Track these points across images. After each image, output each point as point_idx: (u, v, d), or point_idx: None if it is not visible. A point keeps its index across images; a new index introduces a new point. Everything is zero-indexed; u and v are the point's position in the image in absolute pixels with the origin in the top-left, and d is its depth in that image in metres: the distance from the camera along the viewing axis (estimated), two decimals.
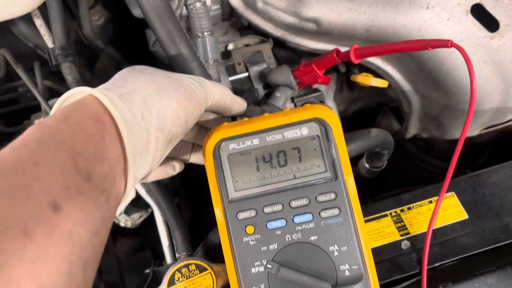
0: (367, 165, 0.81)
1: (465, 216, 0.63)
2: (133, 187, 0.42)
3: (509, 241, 0.61)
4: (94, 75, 0.89)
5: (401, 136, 0.96)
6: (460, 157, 0.97)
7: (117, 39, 0.98)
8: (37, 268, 0.28)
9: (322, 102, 0.79)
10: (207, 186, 0.52)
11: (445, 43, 0.51)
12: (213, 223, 0.59)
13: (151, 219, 0.83)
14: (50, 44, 0.68)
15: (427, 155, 0.97)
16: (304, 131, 0.50)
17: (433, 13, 0.66)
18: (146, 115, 0.42)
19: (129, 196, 0.42)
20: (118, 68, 0.92)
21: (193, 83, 0.49)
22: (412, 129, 0.91)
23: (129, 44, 1.00)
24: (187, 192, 1.08)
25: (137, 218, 0.80)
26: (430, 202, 0.64)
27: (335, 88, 0.98)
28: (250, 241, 0.49)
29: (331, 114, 0.50)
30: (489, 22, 0.66)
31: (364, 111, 1.13)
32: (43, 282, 0.28)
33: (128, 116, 0.40)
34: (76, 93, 0.41)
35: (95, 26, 0.94)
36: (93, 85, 0.89)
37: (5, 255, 0.27)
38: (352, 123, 1.10)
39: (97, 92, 0.39)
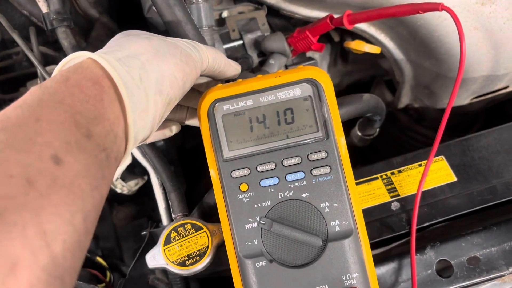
0: (359, 133, 0.83)
1: (453, 178, 0.64)
2: (133, 148, 0.43)
3: (496, 202, 0.62)
4: (89, 44, 0.89)
5: (393, 106, 0.97)
6: (451, 127, 0.99)
7: (111, 8, 0.98)
8: (40, 214, 0.29)
9: None
10: (202, 156, 0.54)
11: (436, 6, 0.52)
12: (208, 191, 0.61)
13: (147, 187, 0.84)
14: (45, 9, 0.68)
15: (418, 125, 0.99)
16: (296, 91, 0.51)
17: None
18: (144, 78, 0.43)
19: (128, 158, 0.43)
20: (113, 36, 0.92)
21: (188, 47, 0.50)
22: (404, 99, 0.92)
23: (124, 14, 1.00)
24: (182, 164, 1.09)
25: (133, 185, 0.82)
26: (420, 165, 0.66)
27: (329, 59, 0.99)
28: (244, 199, 0.50)
29: (323, 75, 0.51)
30: None
31: (358, 85, 1.14)
32: (46, 228, 0.29)
33: (127, 79, 0.41)
34: (76, 57, 0.42)
35: None
36: None
37: (9, 200, 0.28)
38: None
39: (96, 55, 0.40)
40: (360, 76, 1.10)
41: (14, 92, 0.80)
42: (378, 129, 0.80)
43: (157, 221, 0.71)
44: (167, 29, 0.60)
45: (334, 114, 0.51)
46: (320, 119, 0.51)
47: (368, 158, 1.13)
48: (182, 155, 1.07)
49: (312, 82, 0.51)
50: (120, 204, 0.94)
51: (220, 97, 0.51)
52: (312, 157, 0.51)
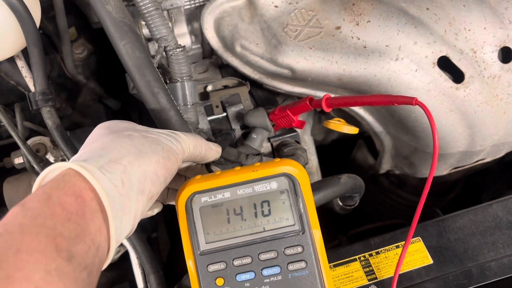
0: (340, 203, 0.84)
1: (430, 261, 0.65)
2: (114, 249, 0.43)
3: (472, 287, 0.63)
4: (76, 110, 0.90)
5: (375, 170, 0.99)
6: (431, 194, 1.00)
7: (99, 71, 1.00)
8: None
9: (297, 142, 0.81)
10: None
11: (410, 101, 0.54)
12: None
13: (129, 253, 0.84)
14: (31, 86, 0.70)
15: (399, 190, 1.01)
16: (273, 185, 0.52)
17: (402, 64, 0.69)
18: (126, 181, 0.43)
19: (109, 259, 0.44)
20: (100, 102, 0.94)
21: (169, 140, 0.51)
22: (385, 166, 0.94)
23: (112, 77, 1.02)
24: (166, 223, 1.09)
25: (115, 253, 0.81)
26: (397, 246, 0.67)
27: (312, 121, 1.01)
28: None
29: (299, 169, 0.53)
30: (455, 74, 0.70)
31: (342, 140, 1.16)
32: None
33: (110, 188, 0.41)
34: (57, 168, 0.42)
35: (78, 59, 0.96)
36: (75, 119, 0.90)
37: None
38: (331, 153, 1.13)
39: (78, 166, 0.41)
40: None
41: None
42: (358, 201, 0.82)
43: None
44: (150, 115, 0.61)
45: (310, 208, 0.52)
46: (296, 213, 0.52)
47: (351, 218, 1.13)
48: (166, 213, 1.07)
49: (289, 177, 0.52)
50: None
51: (199, 190, 0.52)
52: (288, 251, 0.51)
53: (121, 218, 0.43)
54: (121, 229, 0.43)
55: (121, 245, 0.82)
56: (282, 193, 0.52)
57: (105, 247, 0.42)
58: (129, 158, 0.45)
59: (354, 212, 1.13)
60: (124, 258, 0.91)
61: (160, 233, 1.09)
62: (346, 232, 1.00)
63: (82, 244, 0.38)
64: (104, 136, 0.49)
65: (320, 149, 1.04)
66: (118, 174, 0.43)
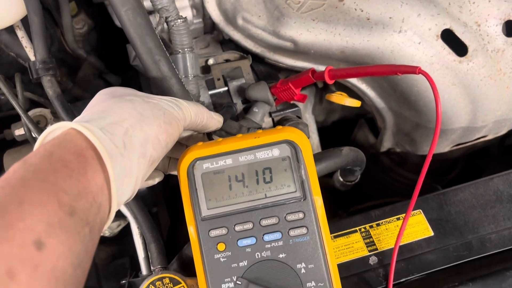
0: (341, 179, 0.84)
1: (431, 233, 0.65)
2: (115, 211, 0.43)
3: (471, 258, 0.63)
4: (76, 84, 0.90)
5: (376, 149, 0.99)
6: (431, 172, 1.00)
7: (99, 47, 0.99)
8: None
9: (299, 117, 0.81)
10: None
11: (413, 70, 0.54)
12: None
13: (129, 227, 0.84)
14: (31, 56, 0.69)
15: (400, 168, 1.01)
16: (275, 152, 0.52)
17: (405, 37, 0.68)
18: (128, 144, 0.43)
19: (110, 220, 0.44)
20: (100, 77, 0.93)
21: (171, 106, 0.51)
22: (386, 144, 0.94)
23: (112, 53, 1.01)
24: (167, 200, 1.09)
25: (115, 227, 0.82)
26: (398, 219, 0.67)
27: (314, 101, 1.01)
28: (221, 258, 0.51)
29: (301, 137, 0.52)
30: (458, 47, 0.69)
31: (343, 121, 1.16)
32: None
33: (111, 148, 0.41)
34: (59, 128, 0.42)
35: (78, 34, 0.95)
36: (75, 94, 0.90)
37: None
38: (332, 134, 1.13)
39: (80, 126, 0.40)
40: (345, 113, 1.12)
41: None
42: (359, 176, 0.82)
43: (139, 262, 0.71)
44: (151, 83, 0.61)
45: (312, 175, 0.52)
46: (297, 180, 0.52)
47: (351, 197, 1.14)
48: (167, 191, 1.07)
49: (291, 144, 0.52)
50: (102, 243, 0.94)
51: (200, 156, 0.52)
52: (289, 217, 0.51)
53: (122, 180, 0.43)
54: (122, 191, 0.43)
55: (122, 218, 0.82)
56: (284, 160, 0.52)
57: (107, 207, 0.42)
58: (130, 121, 0.45)
59: (355, 192, 1.13)
60: (124, 234, 0.91)
61: (160, 211, 1.09)
62: (347, 209, 1.00)
63: (84, 201, 0.38)
64: (105, 101, 0.49)
65: (321, 130, 1.04)
66: (119, 136, 0.43)
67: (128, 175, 0.44)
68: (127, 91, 0.52)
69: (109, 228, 0.80)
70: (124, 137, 0.43)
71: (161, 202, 1.11)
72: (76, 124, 0.41)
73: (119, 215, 0.83)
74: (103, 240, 0.94)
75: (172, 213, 1.13)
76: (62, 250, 0.34)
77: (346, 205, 1.07)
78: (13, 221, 0.32)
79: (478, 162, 1.11)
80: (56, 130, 0.42)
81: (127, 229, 0.89)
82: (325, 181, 0.91)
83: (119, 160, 0.42)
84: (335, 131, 1.16)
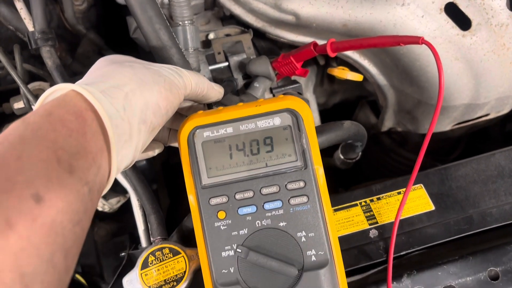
0: (341, 156, 0.83)
1: (431, 207, 0.65)
2: (115, 176, 0.43)
3: (472, 232, 0.63)
4: (75, 60, 0.89)
5: (377, 129, 0.98)
6: (433, 152, 1.00)
7: (99, 24, 0.98)
8: (18, 257, 0.29)
9: (300, 93, 0.80)
10: None
11: (416, 40, 0.53)
12: (190, 210, 0.61)
13: (129, 204, 0.84)
14: (30, 28, 0.68)
15: (401, 148, 1.00)
16: (276, 121, 0.52)
17: (408, 10, 0.68)
18: (128, 108, 0.43)
19: (109, 185, 0.43)
20: (100, 53, 0.93)
21: (171, 73, 0.50)
22: (388, 123, 0.93)
23: (111, 30, 1.00)
24: (167, 179, 1.09)
25: (114, 203, 0.81)
26: (399, 193, 0.67)
27: (315, 80, 1.00)
28: (221, 226, 0.51)
29: (303, 106, 0.52)
30: (462, 21, 0.69)
31: (344, 104, 1.16)
32: (24, 270, 0.29)
33: (112, 111, 0.41)
34: (59, 89, 0.42)
35: (78, 11, 0.94)
36: (74, 69, 0.89)
37: None
38: (332, 116, 1.12)
39: (80, 88, 0.40)
40: (346, 96, 1.11)
41: None
42: (360, 154, 0.81)
43: (138, 238, 0.71)
44: (152, 53, 0.60)
45: (313, 144, 0.52)
46: (299, 149, 0.51)
47: (352, 178, 1.13)
48: (167, 171, 1.07)
49: (292, 112, 0.51)
50: (101, 220, 0.94)
51: (201, 124, 0.52)
52: (290, 186, 0.51)
53: (122, 144, 0.42)
54: (122, 156, 0.43)
55: (122, 194, 0.82)
56: (285, 129, 0.52)
57: (106, 170, 0.41)
58: (131, 86, 0.45)
59: (355, 172, 1.13)
60: (123, 211, 0.91)
61: (160, 192, 1.09)
62: (347, 189, 0.99)
63: (83, 160, 0.38)
64: (105, 66, 0.48)
65: (322, 112, 1.04)
66: (120, 100, 0.43)
67: (128, 139, 0.43)
68: (128, 58, 0.52)
69: (108, 203, 0.79)
70: (124, 101, 0.43)
71: (161, 182, 1.11)
72: (77, 86, 0.41)
73: (119, 191, 0.83)
74: (103, 217, 0.94)
75: (172, 193, 1.13)
76: (61, 206, 0.33)
77: (347, 185, 1.06)
78: (12, 174, 0.32)
79: (480, 147, 1.10)
80: (56, 91, 0.42)
81: (126, 207, 0.89)
82: (326, 160, 0.90)
83: (119, 123, 0.42)
84: (336, 114, 1.15)
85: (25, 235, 0.30)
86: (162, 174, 1.06)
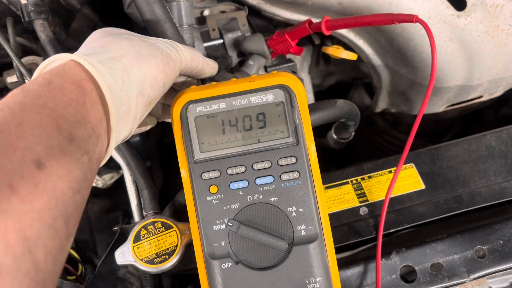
0: (335, 136, 0.84)
1: (422, 186, 0.66)
2: (113, 147, 0.43)
3: (461, 211, 0.64)
4: (70, 35, 0.88)
5: (371, 110, 0.99)
6: (426, 134, 1.01)
7: (93, 1, 0.97)
8: (21, 219, 0.30)
9: (294, 72, 0.80)
10: None
11: (411, 18, 0.53)
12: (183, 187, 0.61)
13: (123, 182, 0.85)
14: (23, 0, 0.67)
15: (394, 130, 1.01)
16: (269, 97, 0.52)
17: None
18: (127, 80, 0.43)
19: (108, 156, 0.44)
20: (94, 29, 0.92)
21: (168, 47, 0.50)
22: (381, 104, 0.94)
23: (106, 5, 0.99)
24: (161, 158, 1.09)
25: (108, 179, 0.82)
26: (390, 172, 0.67)
27: (310, 60, 1.00)
28: (213, 200, 0.51)
29: (296, 82, 0.52)
30: (457, 1, 0.68)
31: (339, 86, 1.16)
32: (27, 233, 0.30)
33: (111, 81, 0.41)
34: (58, 59, 0.42)
35: None
36: (68, 45, 0.88)
37: None
38: (327, 98, 1.12)
39: (80, 57, 0.40)
40: (341, 77, 1.11)
41: None
42: (353, 133, 0.82)
43: (132, 215, 0.71)
44: (146, 27, 0.60)
45: (305, 120, 0.52)
46: (291, 125, 0.52)
47: (344, 159, 1.14)
48: (161, 149, 1.07)
49: (285, 88, 0.52)
50: (95, 196, 0.94)
51: (194, 99, 0.52)
52: (281, 162, 0.51)
53: (121, 115, 0.43)
54: (120, 127, 0.43)
55: (115, 170, 0.82)
56: (278, 106, 0.52)
57: (105, 140, 0.42)
58: (129, 58, 0.45)
59: (348, 153, 1.14)
60: (117, 188, 0.91)
61: (154, 171, 1.10)
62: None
63: (83, 129, 0.38)
64: (102, 38, 0.48)
65: (317, 94, 1.04)
66: (119, 71, 0.43)
67: (127, 111, 0.43)
68: (124, 31, 0.51)
69: (102, 179, 0.80)
70: (122, 72, 0.43)
71: (155, 160, 1.11)
72: (76, 55, 0.41)
73: (112, 167, 0.83)
74: (97, 193, 0.94)
75: (165, 171, 1.14)
76: (62, 173, 0.34)
77: (339, 166, 1.07)
78: (13, 140, 0.32)
79: (474, 130, 1.11)
80: (55, 61, 0.42)
81: (120, 183, 0.89)
82: (319, 140, 0.91)
83: (119, 94, 0.42)
84: (331, 96, 1.15)
85: (27, 200, 0.30)
86: (156, 153, 1.06)
